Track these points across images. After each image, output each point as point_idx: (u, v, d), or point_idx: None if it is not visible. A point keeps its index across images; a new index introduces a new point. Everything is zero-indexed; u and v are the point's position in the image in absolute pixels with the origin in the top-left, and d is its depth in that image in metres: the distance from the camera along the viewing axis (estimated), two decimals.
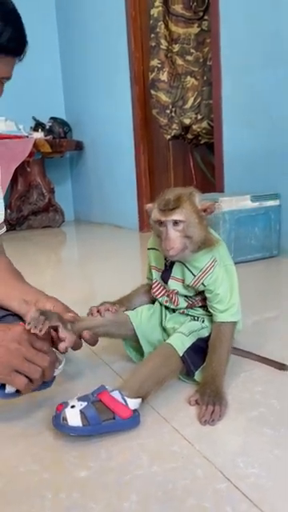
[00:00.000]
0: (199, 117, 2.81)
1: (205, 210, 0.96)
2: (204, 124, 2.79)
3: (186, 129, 2.90)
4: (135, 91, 3.39)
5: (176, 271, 1.04)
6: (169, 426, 0.85)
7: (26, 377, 0.83)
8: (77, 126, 4.38)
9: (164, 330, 1.10)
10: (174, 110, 2.97)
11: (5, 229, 1.20)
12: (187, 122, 2.86)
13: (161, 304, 1.10)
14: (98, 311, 1.09)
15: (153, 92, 3.01)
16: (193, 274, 1.01)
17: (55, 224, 4.24)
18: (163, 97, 2.97)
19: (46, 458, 0.77)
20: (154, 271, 1.08)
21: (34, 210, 4.16)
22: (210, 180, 2.99)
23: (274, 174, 2.32)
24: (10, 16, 0.82)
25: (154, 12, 2.93)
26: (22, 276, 1.19)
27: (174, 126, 2.95)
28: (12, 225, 4.06)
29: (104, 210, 4.13)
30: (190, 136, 2.92)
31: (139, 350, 1.14)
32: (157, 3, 2.91)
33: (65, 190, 4.70)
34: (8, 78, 0.91)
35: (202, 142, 2.91)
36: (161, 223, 0.96)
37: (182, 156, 3.23)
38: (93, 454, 0.78)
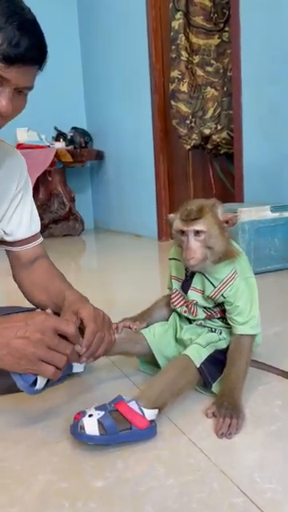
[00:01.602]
0: (219, 127, 2.82)
1: (227, 222, 0.97)
2: (224, 134, 2.80)
3: (206, 139, 2.91)
4: (155, 102, 3.42)
5: (196, 282, 1.04)
6: (185, 437, 0.85)
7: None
8: (97, 136, 4.44)
9: (179, 342, 1.10)
10: (193, 120, 2.98)
11: (41, 238, 1.23)
12: (207, 132, 2.87)
13: (179, 314, 1.11)
14: (116, 328, 1.10)
15: (173, 103, 3.03)
16: (213, 286, 1.01)
17: (75, 232, 4.28)
18: (183, 107, 2.99)
19: (64, 468, 0.78)
20: (174, 281, 1.09)
21: (54, 219, 4.21)
22: (229, 190, 2.98)
23: None
24: (27, 25, 0.82)
25: (175, 24, 2.96)
26: (64, 277, 1.18)
27: (194, 136, 2.96)
28: None
29: (123, 218, 4.16)
30: (209, 146, 2.92)
31: (155, 367, 1.15)
32: (178, 16, 2.94)
33: (85, 199, 4.75)
34: (30, 88, 0.90)
35: (221, 152, 2.91)
36: (182, 233, 0.96)
37: (202, 166, 3.24)
38: (109, 464, 0.78)
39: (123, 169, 4.06)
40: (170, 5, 2.98)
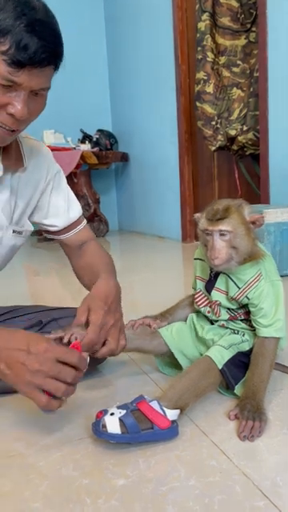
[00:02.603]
0: (245, 128, 2.79)
1: (253, 223, 0.96)
2: (250, 135, 2.78)
3: (232, 140, 2.89)
4: (181, 103, 3.42)
5: (220, 282, 1.04)
6: (207, 439, 0.85)
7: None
8: (123, 138, 4.46)
9: (200, 341, 1.10)
10: (219, 121, 2.97)
11: (84, 222, 1.24)
12: (233, 133, 2.85)
13: (203, 314, 1.10)
14: (132, 324, 1.11)
15: (198, 104, 3.02)
16: (237, 287, 1.01)
17: (100, 234, 4.31)
18: (209, 108, 2.98)
19: (86, 465, 0.79)
20: (198, 281, 1.09)
21: None
22: (255, 191, 2.96)
23: None
24: (36, 25, 0.79)
25: (202, 26, 2.95)
26: (106, 260, 1.20)
27: (219, 137, 2.94)
28: None
29: (147, 220, 4.17)
30: (235, 147, 2.90)
31: (173, 366, 1.15)
32: (204, 17, 2.94)
33: (110, 201, 4.79)
34: (46, 89, 0.88)
35: (247, 153, 2.89)
36: (208, 233, 0.96)
37: (227, 167, 3.22)
38: (131, 463, 0.79)
39: (147, 170, 4.07)
40: (197, 6, 2.98)
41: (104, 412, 0.84)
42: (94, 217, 4.28)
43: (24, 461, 0.81)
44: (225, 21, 2.94)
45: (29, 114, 0.87)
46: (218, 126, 2.97)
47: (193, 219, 1.07)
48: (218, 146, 2.97)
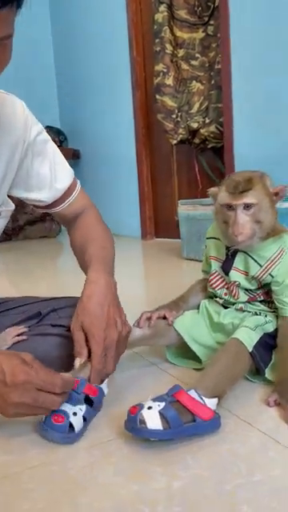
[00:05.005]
0: (207, 120, 2.77)
1: (276, 194, 0.89)
2: (212, 128, 2.75)
3: (194, 133, 2.85)
4: (137, 97, 3.35)
5: (238, 262, 0.96)
6: (254, 429, 0.76)
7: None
8: (73, 135, 4.31)
9: (217, 328, 1.01)
10: (179, 114, 2.92)
11: (77, 188, 1.08)
12: (195, 126, 2.81)
13: (219, 297, 1.02)
14: (148, 318, 1.01)
15: (158, 97, 2.96)
16: (259, 265, 0.93)
17: (52, 234, 4.13)
18: (169, 101, 2.93)
19: (127, 468, 0.67)
20: (213, 261, 1.00)
21: (30, 220, 4.05)
22: (216, 185, 2.93)
23: None
24: None
25: (159, 17, 2.90)
26: (99, 240, 1.05)
27: (181, 130, 2.90)
28: (8, 235, 3.93)
29: (103, 218, 4.03)
30: (197, 140, 2.87)
31: (184, 356, 1.07)
32: (161, 8, 2.89)
33: None
34: (8, 37, 0.70)
35: (209, 146, 2.86)
36: (230, 207, 0.88)
37: (187, 162, 3.18)
38: (179, 462, 0.68)
39: (102, 167, 3.95)
40: None
41: (139, 407, 0.73)
42: (45, 216, 4.09)
43: (50, 470, 0.68)
44: (182, 13, 2.91)
45: None
46: (179, 119, 2.92)
47: (208, 193, 0.98)
48: (179, 139, 2.92)
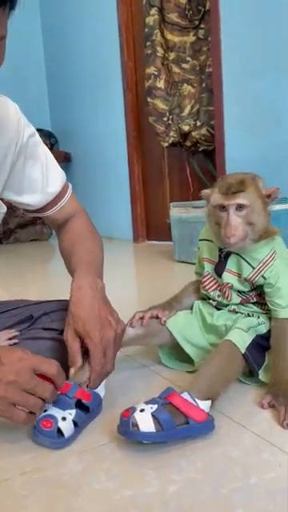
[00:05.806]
0: (198, 123, 2.77)
1: (268, 196, 0.90)
2: (203, 131, 2.76)
3: (185, 136, 2.85)
4: (128, 100, 3.35)
5: (231, 264, 0.96)
6: (248, 431, 0.76)
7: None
8: (64, 137, 4.30)
9: (210, 329, 1.01)
10: (171, 117, 2.93)
11: (69, 192, 1.07)
12: (186, 128, 2.82)
13: (212, 299, 1.02)
14: (141, 318, 1.00)
15: (149, 99, 2.96)
16: (251, 267, 0.93)
17: (43, 237, 4.11)
18: (160, 104, 2.93)
19: (120, 473, 0.66)
20: (206, 263, 1.00)
21: (20, 223, 4.02)
22: (207, 188, 2.94)
23: (280, 179, 2.28)
24: None
25: (150, 20, 2.90)
26: (87, 247, 1.02)
27: (172, 133, 2.90)
28: None
29: (94, 221, 4.00)
30: (188, 143, 2.87)
31: (177, 359, 1.06)
32: (152, 11, 2.89)
33: None
34: (0, 39, 0.71)
35: (200, 149, 2.87)
36: (222, 208, 0.88)
37: (178, 164, 3.18)
38: (172, 465, 0.67)
39: (93, 170, 3.94)
40: (144, 1, 2.93)
41: (132, 410, 0.72)
42: (36, 220, 4.06)
43: (43, 475, 0.67)
44: (173, 17, 2.91)
45: None
46: (170, 122, 2.92)
47: (201, 195, 0.98)
48: (170, 142, 2.92)
